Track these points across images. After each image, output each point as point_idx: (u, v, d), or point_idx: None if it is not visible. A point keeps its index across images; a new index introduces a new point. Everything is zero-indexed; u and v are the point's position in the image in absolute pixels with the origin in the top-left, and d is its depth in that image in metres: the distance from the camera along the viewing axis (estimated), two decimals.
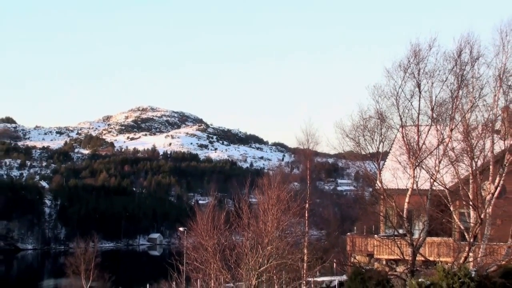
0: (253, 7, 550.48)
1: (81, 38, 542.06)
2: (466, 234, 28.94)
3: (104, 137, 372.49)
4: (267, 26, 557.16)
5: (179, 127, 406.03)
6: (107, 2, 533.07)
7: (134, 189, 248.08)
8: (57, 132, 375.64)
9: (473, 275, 18.72)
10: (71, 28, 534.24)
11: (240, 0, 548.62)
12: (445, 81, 30.10)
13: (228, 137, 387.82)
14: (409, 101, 30.63)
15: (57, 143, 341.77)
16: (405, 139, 30.69)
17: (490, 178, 28.63)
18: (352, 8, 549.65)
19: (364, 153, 33.76)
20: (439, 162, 29.47)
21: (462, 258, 27.28)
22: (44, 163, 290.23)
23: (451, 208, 29.64)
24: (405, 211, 30.29)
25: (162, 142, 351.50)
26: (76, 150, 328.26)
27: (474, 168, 28.78)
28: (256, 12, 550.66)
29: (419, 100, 30.47)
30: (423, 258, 30.58)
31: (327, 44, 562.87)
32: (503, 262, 25.74)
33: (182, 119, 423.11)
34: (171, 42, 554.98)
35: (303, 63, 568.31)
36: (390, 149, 34.63)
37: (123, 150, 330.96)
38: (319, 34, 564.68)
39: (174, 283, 35.06)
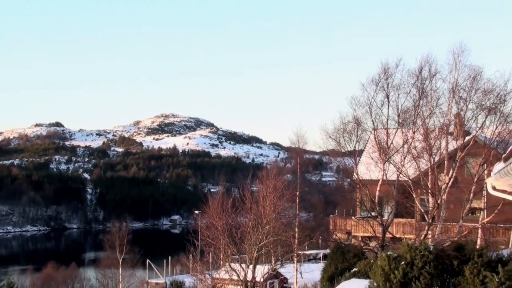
0: (255, 25, 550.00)
1: (115, 53, 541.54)
2: (425, 216, 28.94)
3: (134, 138, 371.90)
4: (267, 43, 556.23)
5: (195, 130, 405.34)
6: (130, 19, 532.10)
7: (159, 179, 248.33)
8: (96, 134, 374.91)
9: (431, 249, 18.67)
10: (104, 46, 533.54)
11: (244, 17, 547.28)
12: (409, 93, 30.12)
13: (234, 138, 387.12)
14: (380, 109, 30.66)
15: (96, 143, 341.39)
16: (376, 139, 30.72)
17: (445, 171, 28.64)
18: (333, 31, 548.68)
19: (344, 151, 33.76)
20: (404, 158, 29.50)
21: (423, 235, 27.28)
22: (86, 159, 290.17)
23: (414, 195, 29.63)
24: (376, 198, 30.29)
25: (181, 142, 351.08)
26: (112, 149, 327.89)
27: (432, 163, 28.80)
28: (259, 29, 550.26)
29: (388, 108, 30.49)
30: (391, 235, 30.58)
31: (317, 60, 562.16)
32: (456, 239, 25.75)
33: (197, 124, 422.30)
34: (186, 58, 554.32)
35: (297, 75, 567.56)
36: (365, 148, 34.62)
37: (149, 148, 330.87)
38: (308, 51, 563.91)
39: (190, 255, 35.03)
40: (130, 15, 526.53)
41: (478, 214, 30.85)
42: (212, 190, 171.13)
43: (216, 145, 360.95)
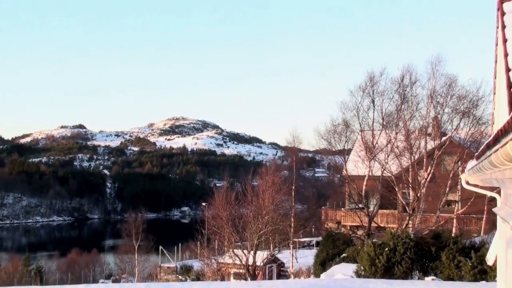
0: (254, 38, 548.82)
1: (131, 62, 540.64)
2: (406, 207, 28.96)
3: (148, 138, 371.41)
4: (267, 53, 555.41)
5: (202, 131, 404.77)
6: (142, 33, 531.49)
7: (170, 175, 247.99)
8: (115, 135, 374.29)
9: (412, 237, 18.69)
10: (126, 56, 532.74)
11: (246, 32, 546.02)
12: (392, 98, 30.23)
13: (237, 138, 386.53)
14: (366, 112, 30.76)
15: (115, 143, 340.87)
16: (363, 140, 30.77)
17: (424, 168, 28.67)
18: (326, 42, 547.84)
19: (334, 150, 33.83)
20: (388, 156, 29.53)
21: (404, 225, 27.29)
22: (106, 157, 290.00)
23: (396, 189, 29.66)
24: (363, 191, 30.33)
25: (190, 142, 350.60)
26: (129, 148, 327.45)
27: (412, 160, 28.82)
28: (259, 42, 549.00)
29: (373, 112, 30.59)
30: (376, 225, 30.59)
31: (311, 68, 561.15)
32: (433, 228, 25.75)
33: (204, 125, 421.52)
34: (194, 67, 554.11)
35: (293, 82, 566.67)
36: (353, 147, 34.65)
37: (162, 148, 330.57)
38: (303, 60, 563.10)
39: (198, 242, 35.02)
40: (144, 28, 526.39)
41: (453, 206, 30.86)
42: (217, 184, 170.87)
43: (221, 145, 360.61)
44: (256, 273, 27.99)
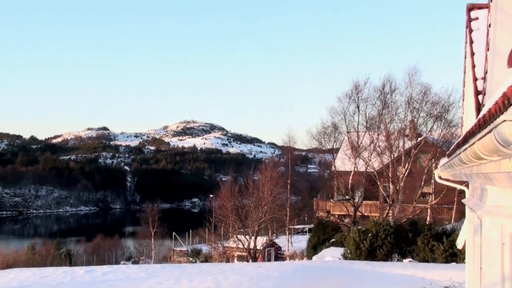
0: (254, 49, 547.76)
1: (146, 73, 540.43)
2: (387, 199, 28.96)
3: (163, 139, 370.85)
4: (265, 64, 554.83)
5: (210, 132, 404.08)
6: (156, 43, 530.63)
7: (182, 171, 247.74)
8: (134, 136, 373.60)
9: (391, 224, 18.69)
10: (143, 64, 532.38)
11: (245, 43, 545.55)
12: (374, 104, 30.27)
13: (240, 139, 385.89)
14: (352, 116, 30.77)
15: (134, 142, 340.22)
16: (349, 140, 30.77)
17: (402, 164, 28.67)
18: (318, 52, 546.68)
19: (324, 149, 33.84)
20: (371, 154, 29.54)
21: (385, 214, 27.28)
22: (127, 155, 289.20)
23: (378, 183, 29.64)
24: (349, 185, 30.32)
25: (199, 142, 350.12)
26: (146, 147, 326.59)
27: (392, 158, 28.84)
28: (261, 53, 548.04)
29: (358, 116, 30.60)
30: (361, 214, 30.59)
31: (306, 77, 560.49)
32: (410, 216, 25.76)
33: (212, 128, 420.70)
34: (203, 78, 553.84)
35: (290, 88, 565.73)
36: (340, 146, 34.66)
37: (175, 147, 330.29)
38: (299, 69, 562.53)
39: (206, 229, 35.01)
40: (155, 39, 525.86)
41: (428, 197, 30.85)
42: (223, 179, 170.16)
43: (226, 144, 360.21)
44: (257, 255, 28.01)
